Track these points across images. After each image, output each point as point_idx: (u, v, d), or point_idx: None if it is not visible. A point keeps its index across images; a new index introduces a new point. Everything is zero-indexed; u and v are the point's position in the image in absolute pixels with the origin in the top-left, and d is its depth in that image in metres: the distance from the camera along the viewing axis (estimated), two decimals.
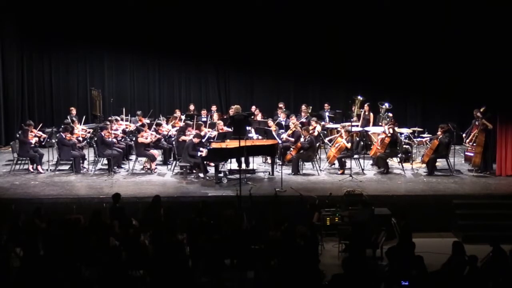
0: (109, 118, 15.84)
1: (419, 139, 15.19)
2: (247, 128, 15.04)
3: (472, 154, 13.96)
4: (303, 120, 16.22)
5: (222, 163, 13.82)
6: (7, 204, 11.85)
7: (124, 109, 17.05)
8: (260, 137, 14.92)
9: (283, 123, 15.96)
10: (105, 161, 14.39)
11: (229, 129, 15.13)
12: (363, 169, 14.11)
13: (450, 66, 17.43)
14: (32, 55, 18.34)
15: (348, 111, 17.46)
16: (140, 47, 18.78)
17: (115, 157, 14.05)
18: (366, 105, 16.70)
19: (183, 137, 14.18)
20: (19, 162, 14.38)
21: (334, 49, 18.19)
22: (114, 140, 14.26)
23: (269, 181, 13.47)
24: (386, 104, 16.59)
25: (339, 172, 14.02)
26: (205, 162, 13.58)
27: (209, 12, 18.14)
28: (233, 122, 14.99)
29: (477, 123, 14.21)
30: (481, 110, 14.22)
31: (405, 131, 15.33)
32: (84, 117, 16.37)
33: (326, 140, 15.22)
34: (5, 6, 17.33)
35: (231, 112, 16.97)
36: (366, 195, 11.90)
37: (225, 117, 16.89)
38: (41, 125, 15.50)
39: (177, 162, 14.05)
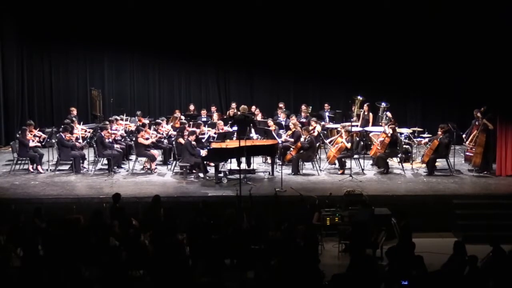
0: (110, 118, 15.86)
1: (419, 139, 15.18)
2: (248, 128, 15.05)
3: (472, 154, 13.95)
4: (303, 120, 16.23)
5: (222, 163, 13.82)
6: (7, 204, 11.86)
7: (123, 110, 17.11)
8: (260, 137, 14.93)
9: (283, 123, 15.96)
10: (105, 161, 14.39)
11: (230, 129, 15.14)
12: (363, 169, 14.11)
13: (451, 66, 17.44)
14: (32, 55, 18.34)
15: (348, 111, 17.47)
16: (140, 47, 18.79)
17: (115, 157, 14.05)
18: (365, 105, 16.69)
19: (180, 139, 14.16)
20: (19, 162, 14.37)
21: (334, 49, 18.18)
22: (111, 140, 14.23)
23: (269, 181, 13.47)
24: (383, 103, 16.60)
25: (339, 172, 14.02)
26: (205, 162, 13.58)
27: (209, 12, 18.14)
28: (237, 121, 14.89)
29: (477, 123, 14.21)
30: (481, 110, 14.22)
31: (405, 131, 15.33)
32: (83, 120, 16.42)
33: (327, 142, 15.21)
34: (5, 6, 17.32)
35: (231, 111, 16.97)
36: (366, 195, 11.89)
37: (227, 115, 16.89)
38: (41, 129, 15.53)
39: (177, 162, 14.05)
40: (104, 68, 19.00)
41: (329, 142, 15.08)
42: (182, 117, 16.58)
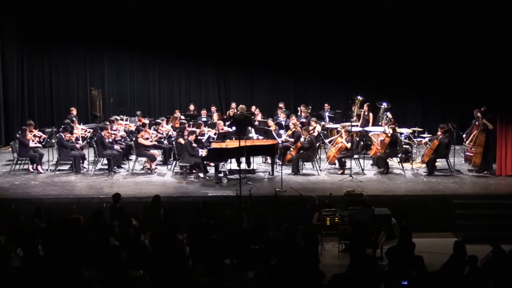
0: (110, 118, 15.86)
1: (419, 139, 15.18)
2: (248, 128, 15.05)
3: (472, 154, 13.95)
4: (303, 120, 16.23)
5: (222, 163, 13.82)
6: (7, 204, 11.86)
7: (123, 110, 17.11)
8: (260, 137, 14.93)
9: (283, 123, 15.96)
10: (105, 161, 14.39)
11: (230, 129, 15.15)
12: (363, 169, 14.11)
13: (450, 66, 17.44)
14: (32, 55, 18.34)
15: (348, 111, 17.47)
16: (140, 47, 18.79)
17: (115, 157, 14.05)
18: (365, 105, 16.69)
19: (180, 139, 14.17)
20: (19, 162, 14.37)
21: (334, 49, 18.18)
22: (111, 140, 14.21)
23: (269, 181, 13.47)
24: (384, 104, 16.61)
25: (339, 172, 14.02)
26: (205, 162, 13.58)
27: (209, 12, 18.15)
28: (237, 121, 14.93)
29: (477, 123, 14.21)
30: (481, 110, 14.22)
31: (405, 131, 15.33)
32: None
33: (326, 141, 15.22)
34: (5, 6, 17.32)
35: (231, 111, 16.97)
36: (366, 195, 11.89)
37: (227, 115, 16.89)
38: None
39: (177, 162, 14.05)
40: (104, 68, 18.99)
41: (329, 142, 15.09)
42: (182, 117, 16.58)
